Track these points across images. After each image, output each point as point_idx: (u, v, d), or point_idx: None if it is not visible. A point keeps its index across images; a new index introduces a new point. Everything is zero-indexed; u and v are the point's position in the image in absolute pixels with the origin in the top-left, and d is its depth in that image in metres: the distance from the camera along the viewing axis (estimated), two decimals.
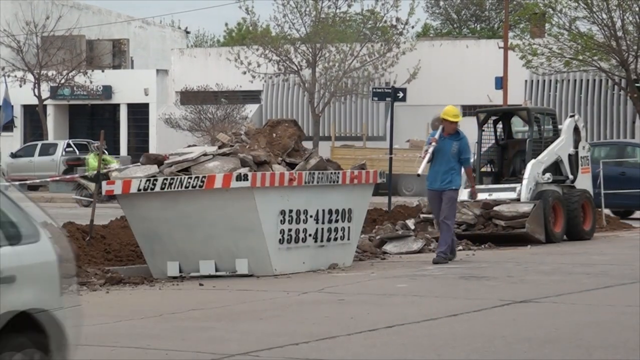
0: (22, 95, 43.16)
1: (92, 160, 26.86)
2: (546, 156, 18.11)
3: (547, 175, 17.86)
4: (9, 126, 44.01)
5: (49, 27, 42.89)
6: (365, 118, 43.37)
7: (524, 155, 18.38)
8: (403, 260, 14.56)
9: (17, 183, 33.86)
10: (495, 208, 17.11)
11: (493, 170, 18.85)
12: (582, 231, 17.97)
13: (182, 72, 45.58)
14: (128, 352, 7.80)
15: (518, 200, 17.49)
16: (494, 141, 18.92)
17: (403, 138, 38.71)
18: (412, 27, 46.16)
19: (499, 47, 37.99)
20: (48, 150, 40.40)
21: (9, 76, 42.22)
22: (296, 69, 41.57)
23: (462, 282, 11.98)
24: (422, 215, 17.32)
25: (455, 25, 59.88)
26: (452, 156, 14.00)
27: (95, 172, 22.03)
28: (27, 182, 33.73)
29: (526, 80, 40.91)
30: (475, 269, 13.27)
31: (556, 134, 18.70)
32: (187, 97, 44.17)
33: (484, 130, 18.87)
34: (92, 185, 24.04)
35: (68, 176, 35.16)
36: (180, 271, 12.60)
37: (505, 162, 18.88)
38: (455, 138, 14.07)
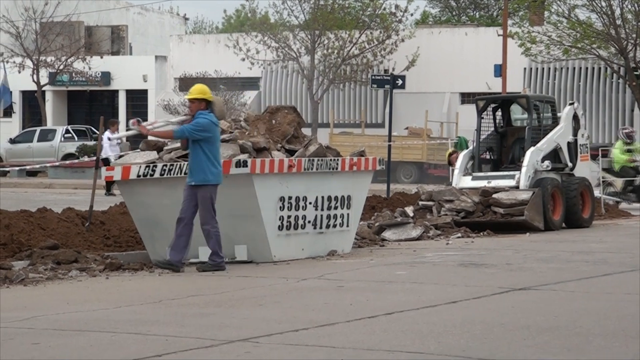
0: (21, 81, 43.13)
1: (618, 152, 22.28)
2: (545, 144, 18.11)
3: (546, 162, 17.87)
4: (7, 112, 44.01)
5: (48, 13, 42.81)
6: (364, 105, 43.37)
7: (523, 143, 18.38)
8: (402, 248, 14.56)
9: (16, 168, 33.91)
10: (494, 195, 17.12)
11: (492, 157, 18.86)
12: (581, 219, 17.98)
13: (181, 58, 45.54)
14: (128, 338, 7.79)
15: (517, 187, 17.49)
16: (492, 129, 18.92)
17: (402, 125, 38.72)
18: (411, 14, 46.20)
19: (498, 35, 37.97)
20: (47, 136, 40.41)
21: (7, 62, 42.16)
22: (295, 55, 41.54)
23: (461, 269, 11.98)
24: (421, 203, 17.33)
25: (454, 13, 59.79)
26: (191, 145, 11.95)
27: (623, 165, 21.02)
28: (26, 167, 33.66)
29: (525, 68, 40.90)
30: (474, 256, 13.28)
31: (555, 121, 18.70)
32: (186, 83, 44.10)
33: (483, 118, 18.86)
34: (619, 182, 22.08)
35: (67, 162, 35.17)
36: None
37: (504, 150, 18.89)
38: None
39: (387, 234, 15.71)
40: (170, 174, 12.39)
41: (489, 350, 7.20)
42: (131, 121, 12.27)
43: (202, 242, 12.50)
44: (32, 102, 45.37)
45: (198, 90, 12.00)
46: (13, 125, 45.47)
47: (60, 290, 10.48)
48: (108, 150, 26.03)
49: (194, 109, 11.91)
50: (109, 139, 26.29)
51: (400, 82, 23.18)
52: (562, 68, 40.60)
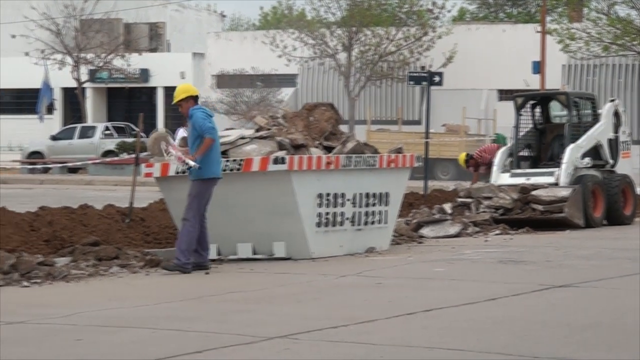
0: (62, 78, 43.47)
1: None
2: (585, 140, 18.00)
3: (587, 159, 17.76)
4: (49, 109, 44.37)
5: (87, 10, 43.13)
6: (401, 102, 43.29)
7: (562, 140, 18.28)
8: (440, 245, 14.53)
9: (58, 165, 34.25)
10: (533, 192, 17.03)
11: (531, 154, 18.76)
12: (622, 216, 17.85)
13: (218, 55, 45.65)
14: (168, 334, 7.83)
15: (556, 184, 17.40)
16: (531, 125, 18.82)
17: (439, 122, 38.59)
18: (448, 11, 45.98)
19: (537, 32, 37.74)
20: (87, 132, 40.73)
21: (48, 59, 42.49)
22: (332, 52, 41.52)
23: (500, 266, 11.93)
24: (459, 200, 17.27)
25: (491, 10, 59.52)
26: (190, 139, 11.91)
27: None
28: (68, 164, 34.02)
29: (564, 65, 40.62)
30: (513, 253, 13.22)
31: (595, 118, 18.58)
32: (223, 80, 44.27)
33: (521, 115, 18.77)
34: None
35: (108, 159, 35.42)
36: (219, 254, 12.64)
37: (543, 147, 18.79)
38: (189, 119, 11.84)
39: (424, 231, 15.68)
40: None
41: (530, 347, 7.17)
42: (176, 158, 11.92)
43: (240, 239, 12.53)
44: (73, 99, 45.69)
45: (182, 90, 11.83)
46: (54, 122, 45.81)
47: (101, 286, 10.56)
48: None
49: (185, 109, 11.70)
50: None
51: (437, 78, 23.11)
52: (601, 65, 40.30)
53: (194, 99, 11.80)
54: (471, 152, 23.07)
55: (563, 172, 17.52)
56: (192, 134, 11.73)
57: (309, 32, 41.43)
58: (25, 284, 10.41)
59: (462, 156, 22.57)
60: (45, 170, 37.17)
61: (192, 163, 11.57)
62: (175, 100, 11.81)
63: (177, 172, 12.57)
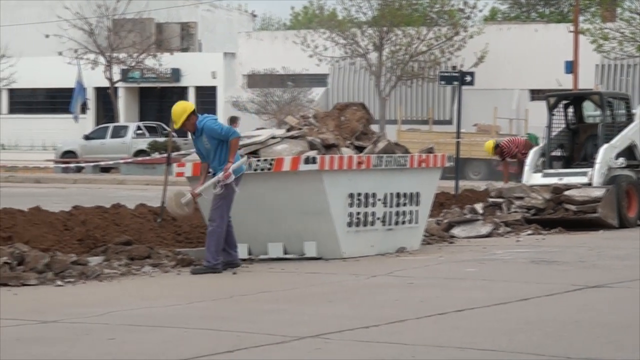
0: (94, 78, 43.72)
1: None
2: (619, 141, 17.89)
3: (621, 159, 17.65)
4: (82, 108, 44.67)
5: (120, 10, 43.36)
6: (432, 102, 43.21)
7: (595, 140, 18.17)
8: (471, 245, 14.48)
9: (91, 164, 34.46)
10: (566, 192, 16.93)
11: (563, 154, 18.67)
12: None
13: (249, 55, 45.74)
14: (200, 334, 7.85)
15: (589, 184, 17.30)
16: (564, 125, 18.72)
17: (470, 122, 38.48)
18: (480, 11, 45.85)
19: (569, 31, 37.55)
20: (119, 132, 40.94)
21: (81, 59, 42.75)
22: (363, 52, 41.50)
23: (532, 266, 11.87)
24: (490, 200, 17.20)
25: (523, 10, 59.27)
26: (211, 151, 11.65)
27: None
28: (101, 164, 34.24)
29: (597, 65, 40.39)
30: (545, 253, 13.15)
31: (630, 118, 18.47)
32: (254, 80, 44.36)
33: (553, 115, 18.67)
34: None
35: (139, 158, 35.62)
36: (249, 253, 12.66)
37: (576, 147, 18.69)
38: (199, 133, 11.65)
39: (456, 231, 15.63)
40: None
41: (563, 348, 7.13)
42: (219, 187, 11.56)
43: (271, 239, 12.54)
44: (105, 99, 45.96)
45: (179, 112, 11.54)
46: (87, 122, 46.10)
47: (133, 285, 10.60)
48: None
49: (191, 126, 11.53)
50: None
51: (469, 78, 23.01)
52: (635, 65, 40.02)
53: (193, 112, 11.67)
54: (499, 142, 23.21)
55: (597, 172, 17.42)
56: (211, 143, 11.56)
57: (340, 32, 41.43)
58: (59, 283, 10.47)
59: (489, 143, 22.82)
60: (79, 170, 37.40)
61: (232, 177, 11.48)
62: (178, 125, 11.57)
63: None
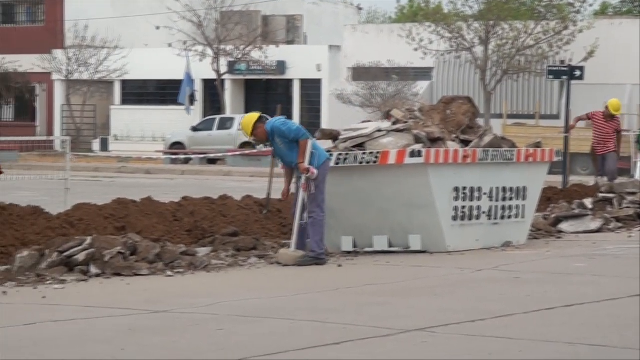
0: (202, 70, 44.30)
1: None
2: None
3: None
4: (190, 100, 45.32)
5: (227, 2, 43.84)
6: (538, 96, 42.66)
7: None
8: (580, 240, 14.27)
9: (200, 156, 34.99)
10: None
11: None
12: None
13: (354, 48, 45.76)
14: (306, 325, 7.92)
15: None
16: None
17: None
18: (590, 5, 45.12)
19: None
20: (225, 124, 41.41)
21: (190, 51, 43.34)
22: (468, 46, 41.19)
23: None
24: (600, 195, 16.92)
25: (635, 4, 58.07)
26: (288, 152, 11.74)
27: None
28: (209, 155, 34.72)
29: None
30: None
31: None
32: (359, 73, 44.36)
33: None
34: None
35: (247, 151, 36.01)
36: (355, 246, 12.71)
37: None
38: (272, 137, 11.73)
39: (563, 226, 15.42)
40: (345, 163, 12.48)
41: None
42: (312, 185, 11.68)
43: (375, 231, 12.56)
44: (212, 91, 46.52)
45: (247, 123, 11.75)
46: (195, 114, 46.75)
47: (240, 276, 10.73)
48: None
49: (262, 132, 11.70)
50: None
51: (578, 73, 22.71)
52: None
53: (259, 120, 11.81)
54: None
55: None
56: (285, 144, 11.65)
57: (445, 26, 41.18)
58: (169, 273, 10.65)
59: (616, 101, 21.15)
60: (186, 161, 37.97)
61: (315, 171, 11.60)
62: (250, 136, 11.84)
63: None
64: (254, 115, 11.96)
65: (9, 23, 53.12)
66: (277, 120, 11.81)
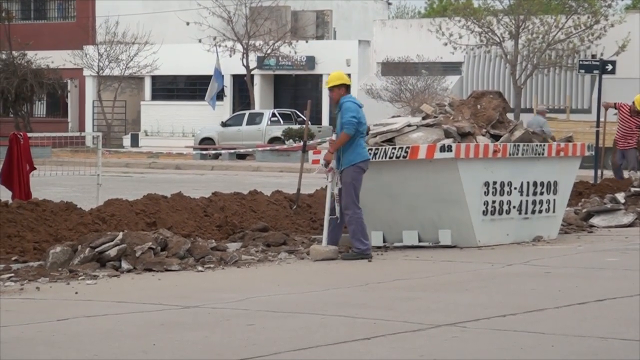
0: (232, 65, 44.38)
1: None
2: None
3: None
4: (219, 95, 45.41)
5: None
6: (569, 90, 42.42)
7: None
8: (612, 234, 14.18)
9: (230, 151, 35.08)
10: None
11: None
12: None
13: (384, 43, 45.69)
14: (337, 320, 7.93)
15: None
16: None
17: (611, 111, 37.62)
18: None
19: None
20: (255, 119, 41.46)
21: (219, 46, 43.43)
22: (498, 40, 41.03)
23: None
24: (632, 189, 16.81)
25: None
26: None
27: None
28: (240, 151, 34.78)
29: None
30: None
31: None
32: (388, 68, 44.30)
33: None
34: None
35: (277, 146, 36.03)
36: (384, 241, 12.70)
37: None
38: (339, 109, 11.80)
39: (595, 221, 15.34)
40: (375, 158, 12.45)
41: None
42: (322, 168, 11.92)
43: (405, 226, 12.54)
44: (242, 86, 46.60)
45: (336, 77, 11.89)
46: (224, 109, 46.84)
47: (270, 272, 10.75)
48: None
49: (336, 97, 11.77)
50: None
51: (610, 67, 22.57)
52: None
53: (347, 88, 11.89)
54: None
55: None
56: (339, 122, 11.78)
57: (475, 20, 41.03)
58: (200, 268, 10.68)
59: None
60: (216, 157, 38.08)
61: (330, 166, 11.65)
62: (328, 85, 11.87)
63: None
64: (346, 80, 11.99)
65: (40, 19, 53.49)
66: (351, 100, 11.82)
